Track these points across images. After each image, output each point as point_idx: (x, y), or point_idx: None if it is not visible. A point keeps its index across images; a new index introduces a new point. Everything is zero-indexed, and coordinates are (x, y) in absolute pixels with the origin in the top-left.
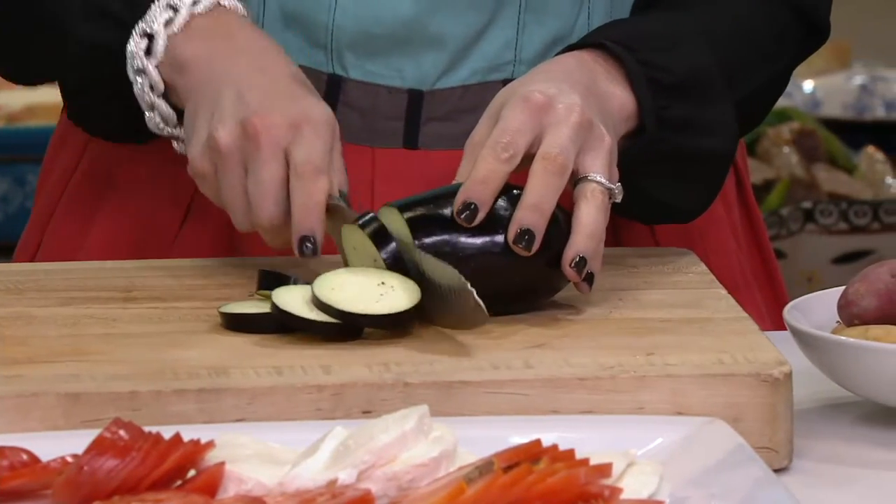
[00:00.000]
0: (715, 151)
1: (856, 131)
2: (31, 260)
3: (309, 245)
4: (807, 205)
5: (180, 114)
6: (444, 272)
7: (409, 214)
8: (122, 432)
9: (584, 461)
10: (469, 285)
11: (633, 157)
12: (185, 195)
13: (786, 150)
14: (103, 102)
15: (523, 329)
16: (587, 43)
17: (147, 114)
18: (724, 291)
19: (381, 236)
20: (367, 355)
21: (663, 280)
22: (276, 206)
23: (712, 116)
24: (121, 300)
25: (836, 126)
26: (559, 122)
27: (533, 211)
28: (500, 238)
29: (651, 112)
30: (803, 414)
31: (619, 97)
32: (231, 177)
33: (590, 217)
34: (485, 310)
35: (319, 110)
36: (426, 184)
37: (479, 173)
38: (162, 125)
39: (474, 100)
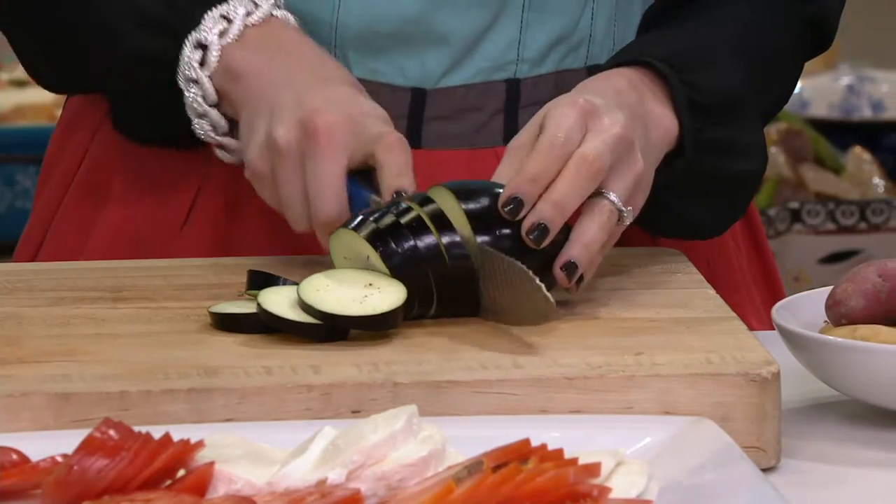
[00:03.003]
0: (745, 174)
1: (843, 131)
2: (33, 259)
3: (406, 195)
4: (794, 205)
5: (230, 124)
6: (508, 266)
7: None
8: (111, 432)
9: (573, 461)
10: (538, 280)
11: (666, 177)
12: (188, 195)
13: (773, 150)
14: (150, 110)
15: (512, 329)
16: (633, 60)
17: (195, 121)
18: (712, 292)
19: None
20: (356, 355)
21: (652, 280)
22: (334, 201)
23: (745, 139)
24: (110, 300)
25: (824, 126)
26: (602, 131)
27: (554, 207)
28: (497, 238)
29: (691, 135)
30: (791, 413)
31: (665, 122)
32: (289, 174)
33: (590, 230)
34: (554, 303)
35: (379, 112)
36: (429, 183)
37: (531, 170)
38: (211, 133)
39: (477, 99)
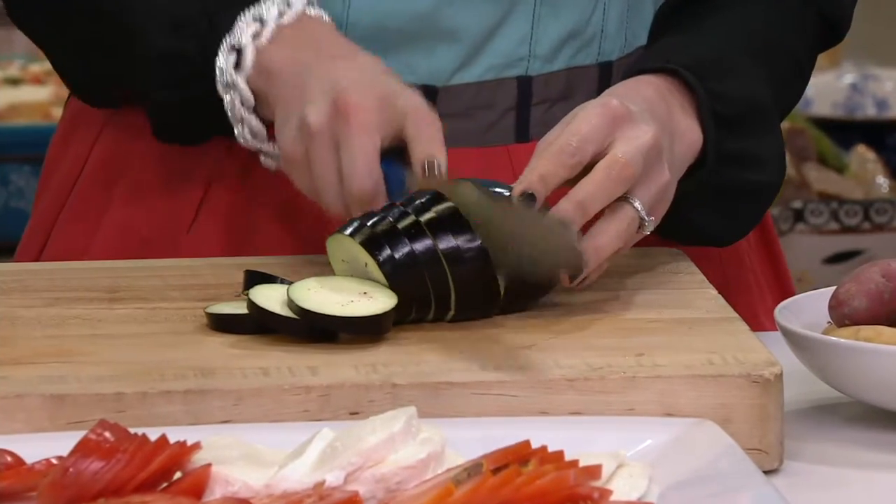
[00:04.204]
0: (763, 185)
1: (846, 130)
2: (36, 261)
3: (436, 166)
4: (797, 204)
5: (269, 127)
6: (533, 218)
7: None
8: (107, 434)
9: (574, 463)
10: (566, 224)
11: (685, 188)
12: (196, 195)
13: None
14: (191, 117)
15: (511, 330)
16: (659, 67)
17: (236, 128)
18: (714, 292)
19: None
20: (354, 357)
21: (653, 280)
22: (369, 176)
23: (765, 150)
24: (106, 301)
25: (827, 125)
26: (633, 137)
27: (576, 207)
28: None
29: (713, 148)
30: (794, 415)
31: (690, 135)
32: (323, 155)
33: (605, 235)
34: (582, 253)
35: (412, 93)
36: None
37: (538, 170)
38: (251, 139)
39: (489, 96)
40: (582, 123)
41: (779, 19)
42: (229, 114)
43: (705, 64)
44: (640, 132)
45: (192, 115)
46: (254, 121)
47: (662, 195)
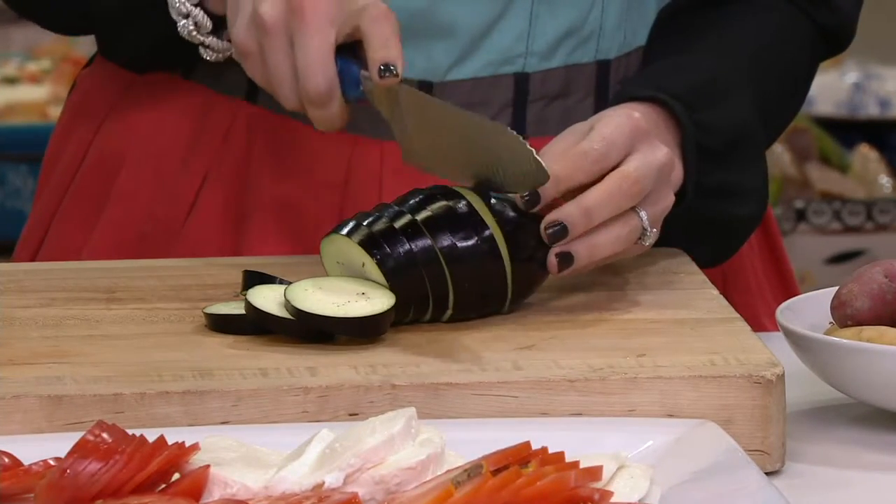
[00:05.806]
0: (744, 218)
1: (849, 130)
2: (33, 259)
3: (392, 69)
4: (799, 204)
5: (214, 22)
6: (496, 131)
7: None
8: (105, 435)
9: (574, 464)
10: (528, 144)
11: (665, 219)
12: (191, 190)
13: (778, 148)
14: (135, 25)
15: (512, 331)
16: (646, 95)
17: (180, 22)
18: (715, 292)
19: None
20: (353, 357)
21: (654, 280)
22: (323, 75)
23: (747, 182)
24: (104, 301)
25: (829, 124)
26: (649, 153)
27: (582, 214)
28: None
29: (693, 181)
30: (796, 416)
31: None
32: (276, 50)
33: (605, 237)
34: (546, 168)
35: None
36: (436, 179)
37: (554, 169)
38: (195, 32)
39: (485, 93)
40: (610, 129)
41: (779, 33)
42: (172, 9)
43: (697, 91)
44: (656, 148)
45: (136, 21)
46: (200, 14)
47: (663, 215)
